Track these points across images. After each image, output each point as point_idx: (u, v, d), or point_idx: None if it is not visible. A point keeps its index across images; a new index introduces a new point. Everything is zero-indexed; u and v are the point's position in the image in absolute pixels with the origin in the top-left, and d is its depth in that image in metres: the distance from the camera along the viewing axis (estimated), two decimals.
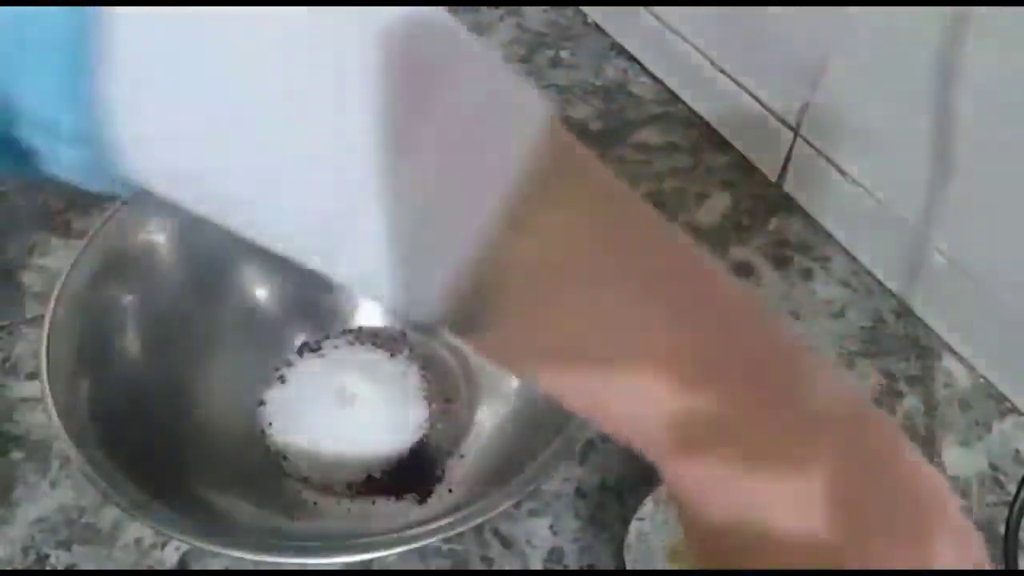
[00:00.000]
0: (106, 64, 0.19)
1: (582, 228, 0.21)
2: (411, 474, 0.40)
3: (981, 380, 0.45)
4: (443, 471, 0.41)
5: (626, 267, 0.22)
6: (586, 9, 0.68)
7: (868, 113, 0.47)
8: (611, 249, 0.22)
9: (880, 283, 0.50)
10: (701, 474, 0.22)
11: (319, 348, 0.45)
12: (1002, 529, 0.35)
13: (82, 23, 0.18)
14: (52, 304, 0.36)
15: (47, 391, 0.34)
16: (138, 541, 0.39)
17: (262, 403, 0.42)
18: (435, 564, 0.38)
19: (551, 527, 0.40)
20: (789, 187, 0.54)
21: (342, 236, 0.21)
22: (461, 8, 0.68)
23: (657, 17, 0.60)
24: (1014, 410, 0.44)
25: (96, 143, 0.20)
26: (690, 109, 0.60)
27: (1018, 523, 0.35)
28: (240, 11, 0.19)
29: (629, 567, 0.37)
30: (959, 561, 0.22)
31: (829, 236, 0.52)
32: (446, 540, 0.39)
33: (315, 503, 0.39)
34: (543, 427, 0.38)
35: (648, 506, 0.38)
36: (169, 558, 0.38)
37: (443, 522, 0.32)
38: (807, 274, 0.50)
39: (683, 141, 0.58)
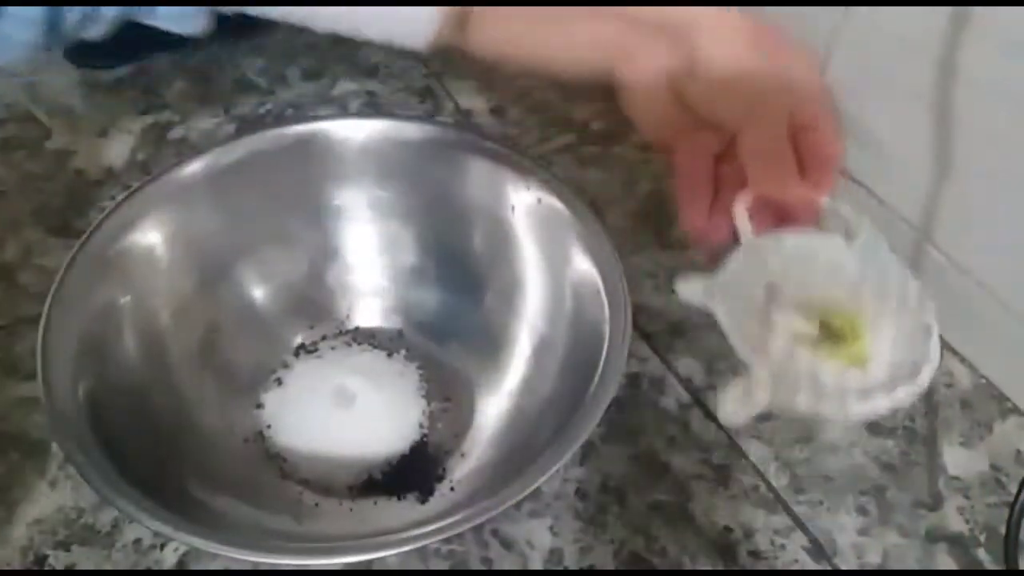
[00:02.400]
0: None
1: None
2: (412, 473, 0.40)
3: (982, 380, 0.45)
4: (444, 469, 0.40)
5: None
6: None
7: (869, 113, 0.47)
8: None
9: None
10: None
11: (316, 350, 0.45)
12: (1003, 530, 0.35)
13: None
14: (48, 304, 0.36)
15: (44, 391, 0.34)
16: (137, 542, 0.38)
17: (260, 405, 0.42)
18: (435, 565, 0.38)
19: (551, 528, 0.39)
20: None
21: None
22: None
23: None
24: (1015, 410, 0.44)
25: None
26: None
27: (1019, 524, 0.35)
28: None
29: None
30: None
31: None
32: (446, 541, 0.39)
33: (316, 504, 0.39)
34: (543, 426, 0.38)
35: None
36: (168, 559, 0.38)
37: (442, 523, 0.32)
38: None
39: None
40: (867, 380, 0.32)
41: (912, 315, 0.33)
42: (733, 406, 0.32)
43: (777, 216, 0.35)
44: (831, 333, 0.33)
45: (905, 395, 0.31)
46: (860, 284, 0.33)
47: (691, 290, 0.34)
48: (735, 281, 0.34)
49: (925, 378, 0.31)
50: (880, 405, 0.31)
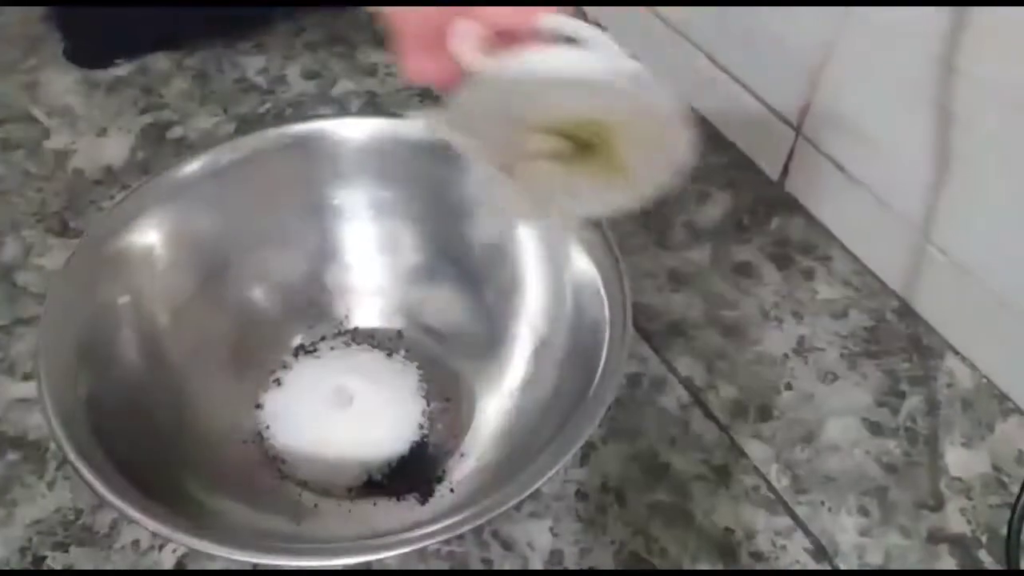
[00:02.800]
0: None
1: None
2: (411, 474, 0.40)
3: (983, 380, 0.45)
4: (444, 470, 0.40)
5: None
6: (587, 9, 0.67)
7: (869, 112, 0.47)
8: None
9: (882, 283, 0.50)
10: None
11: (315, 350, 0.44)
12: (1004, 531, 0.35)
13: None
14: (46, 304, 0.36)
15: (43, 392, 0.34)
16: (135, 543, 0.38)
17: (259, 406, 0.42)
18: (435, 565, 0.38)
19: (551, 529, 0.39)
20: (790, 186, 0.54)
21: None
22: None
23: (658, 16, 0.60)
24: (1017, 410, 0.44)
25: None
26: (691, 108, 0.60)
27: (1020, 525, 0.35)
28: None
29: None
30: None
31: (831, 236, 0.52)
32: (446, 542, 0.38)
33: (316, 505, 0.39)
34: (543, 426, 0.38)
35: None
36: (166, 560, 0.38)
37: (442, 524, 0.32)
38: (809, 274, 0.50)
39: None
40: (629, 182, 0.32)
41: (656, 108, 0.33)
42: (488, 224, 0.32)
43: (502, 41, 0.34)
44: (582, 145, 0.33)
45: (668, 178, 0.32)
46: (598, 91, 0.33)
47: (438, 124, 0.33)
48: (474, 110, 0.33)
49: (683, 158, 0.32)
50: (641, 194, 0.32)
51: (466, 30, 0.33)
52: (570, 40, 0.33)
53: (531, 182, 0.33)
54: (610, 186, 0.33)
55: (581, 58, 0.33)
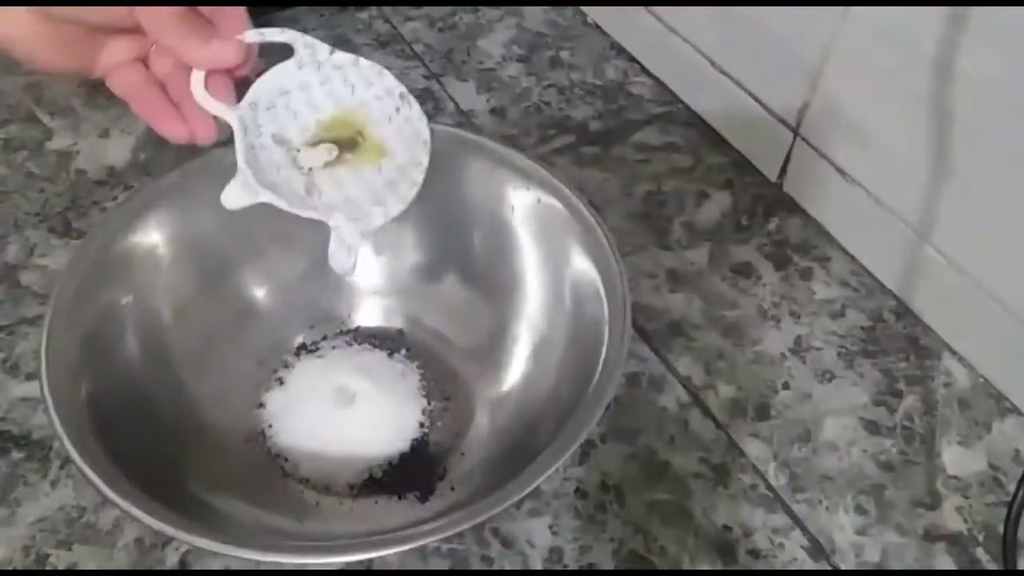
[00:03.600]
0: None
1: None
2: (412, 473, 0.40)
3: (981, 380, 0.46)
4: (445, 469, 0.41)
5: None
6: (586, 9, 0.68)
7: (868, 113, 0.47)
8: None
9: (880, 283, 0.50)
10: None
11: (317, 349, 0.45)
12: (1001, 529, 0.35)
13: None
14: (50, 304, 0.36)
15: (46, 391, 0.34)
16: (138, 541, 0.39)
17: (261, 405, 0.42)
18: (435, 564, 0.38)
19: (551, 527, 0.40)
20: (789, 187, 0.55)
21: None
22: (461, 8, 0.68)
23: (657, 17, 0.60)
24: (1014, 410, 0.44)
25: None
26: (690, 109, 0.60)
27: (1017, 523, 0.35)
28: None
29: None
30: None
31: (829, 236, 0.52)
32: (446, 540, 0.39)
33: (317, 504, 0.39)
34: (543, 425, 0.38)
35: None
36: (169, 558, 0.38)
37: (443, 522, 0.32)
38: (807, 274, 0.50)
39: (683, 141, 0.58)
40: (396, 160, 0.34)
41: (381, 88, 0.35)
42: (343, 261, 0.34)
43: (227, 79, 0.34)
44: (347, 144, 0.35)
45: (425, 154, 0.35)
46: (328, 89, 0.35)
47: (234, 196, 0.34)
48: (251, 158, 0.34)
49: (425, 132, 0.34)
50: (417, 179, 0.35)
51: (197, 79, 0.33)
52: (281, 47, 0.35)
53: (340, 196, 0.34)
54: (389, 172, 0.34)
55: (298, 64, 0.35)
